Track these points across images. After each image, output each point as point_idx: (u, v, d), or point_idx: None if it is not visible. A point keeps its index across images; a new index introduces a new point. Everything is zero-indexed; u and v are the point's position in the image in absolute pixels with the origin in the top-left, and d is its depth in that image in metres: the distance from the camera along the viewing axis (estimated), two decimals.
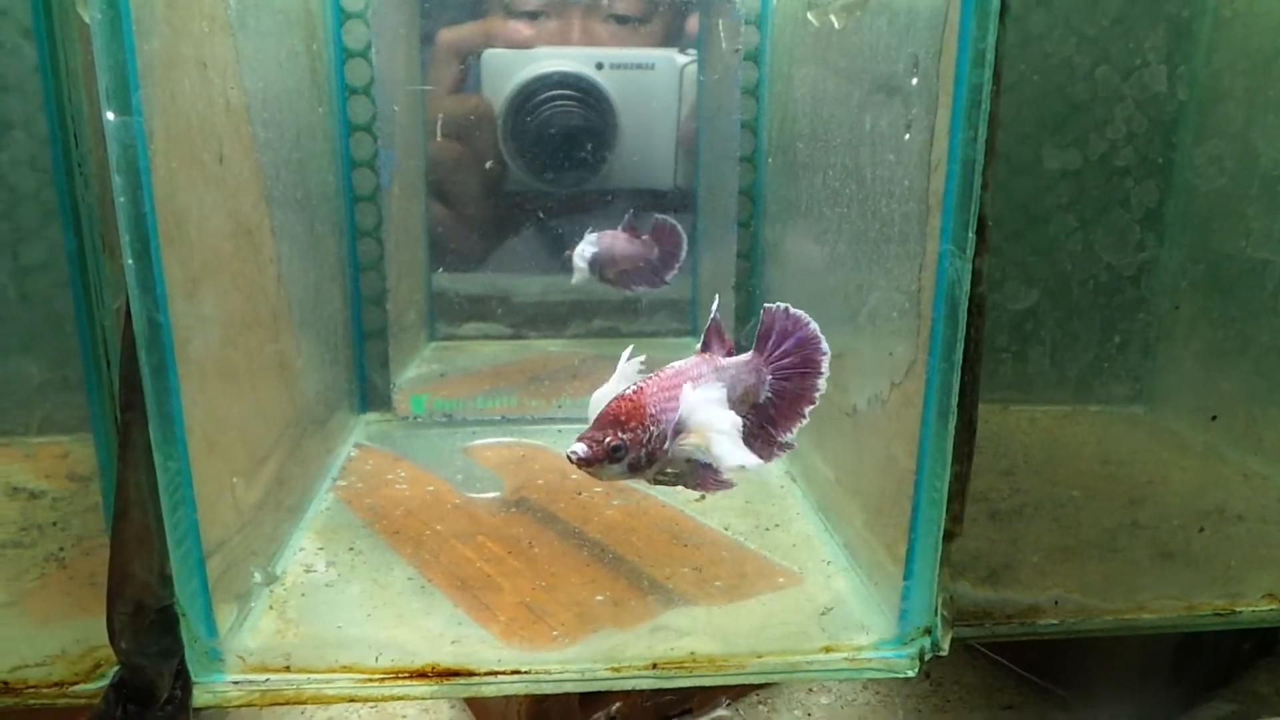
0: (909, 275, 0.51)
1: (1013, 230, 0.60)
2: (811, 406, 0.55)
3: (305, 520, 0.67)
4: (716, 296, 0.57)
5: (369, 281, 0.87)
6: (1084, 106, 0.56)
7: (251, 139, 0.57)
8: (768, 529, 0.67)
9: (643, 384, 0.51)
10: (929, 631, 0.52)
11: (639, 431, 0.48)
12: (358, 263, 0.86)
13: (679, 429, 0.50)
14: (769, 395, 0.55)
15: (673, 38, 1.20)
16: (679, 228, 1.00)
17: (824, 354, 0.55)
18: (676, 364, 0.53)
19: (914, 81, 0.51)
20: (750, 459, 0.49)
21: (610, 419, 0.49)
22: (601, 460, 0.48)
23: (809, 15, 0.69)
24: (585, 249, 0.97)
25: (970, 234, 0.46)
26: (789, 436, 0.56)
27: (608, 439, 0.48)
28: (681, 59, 1.17)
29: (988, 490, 0.71)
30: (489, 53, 1.11)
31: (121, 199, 0.42)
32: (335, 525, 0.67)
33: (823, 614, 0.55)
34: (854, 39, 0.60)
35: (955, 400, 0.48)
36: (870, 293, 0.58)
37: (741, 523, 0.68)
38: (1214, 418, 0.67)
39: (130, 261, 0.43)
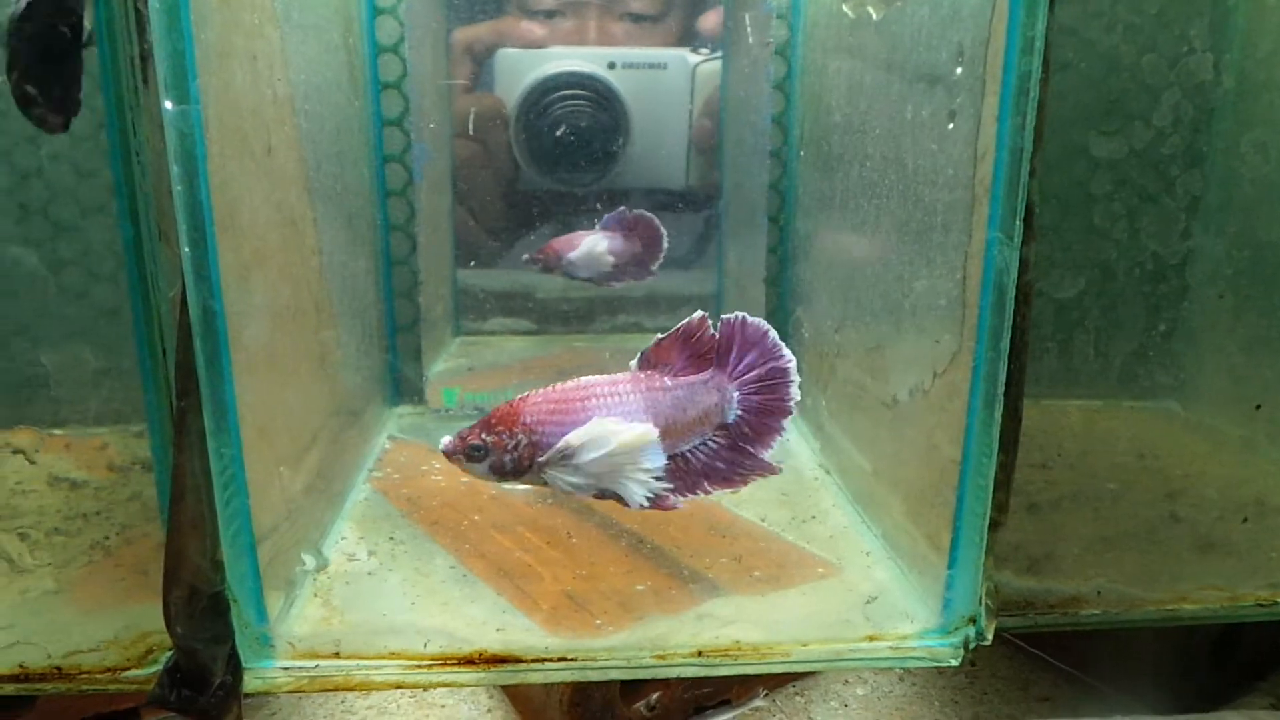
0: (953, 264, 0.51)
1: (1055, 219, 0.60)
2: (788, 418, 0.53)
3: (345, 510, 0.68)
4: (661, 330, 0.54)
5: (400, 275, 0.88)
6: (1130, 94, 0.56)
7: (296, 130, 0.57)
8: (804, 520, 0.68)
9: (531, 393, 0.49)
10: (973, 621, 0.52)
11: (504, 437, 0.48)
12: (390, 256, 0.87)
13: (565, 453, 0.48)
14: (739, 413, 0.53)
15: (688, 35, 1.20)
16: (657, 221, 0.99)
17: (789, 361, 0.53)
18: (593, 378, 0.50)
19: (958, 71, 0.51)
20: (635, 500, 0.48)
21: (484, 420, 0.48)
22: (459, 454, 0.48)
23: (845, 7, 0.69)
24: (591, 245, 0.98)
25: (1018, 221, 0.46)
26: (768, 454, 0.53)
27: (469, 437, 0.48)
28: (694, 58, 1.16)
29: (1024, 483, 0.71)
30: (501, 52, 1.11)
31: (178, 187, 0.43)
32: (374, 515, 0.68)
33: (867, 603, 0.55)
34: (893, 29, 0.60)
35: (1001, 389, 0.48)
36: (912, 283, 0.58)
37: (778, 514, 0.68)
38: (1259, 406, 0.66)
39: (186, 249, 0.43)
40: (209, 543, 0.46)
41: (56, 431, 0.80)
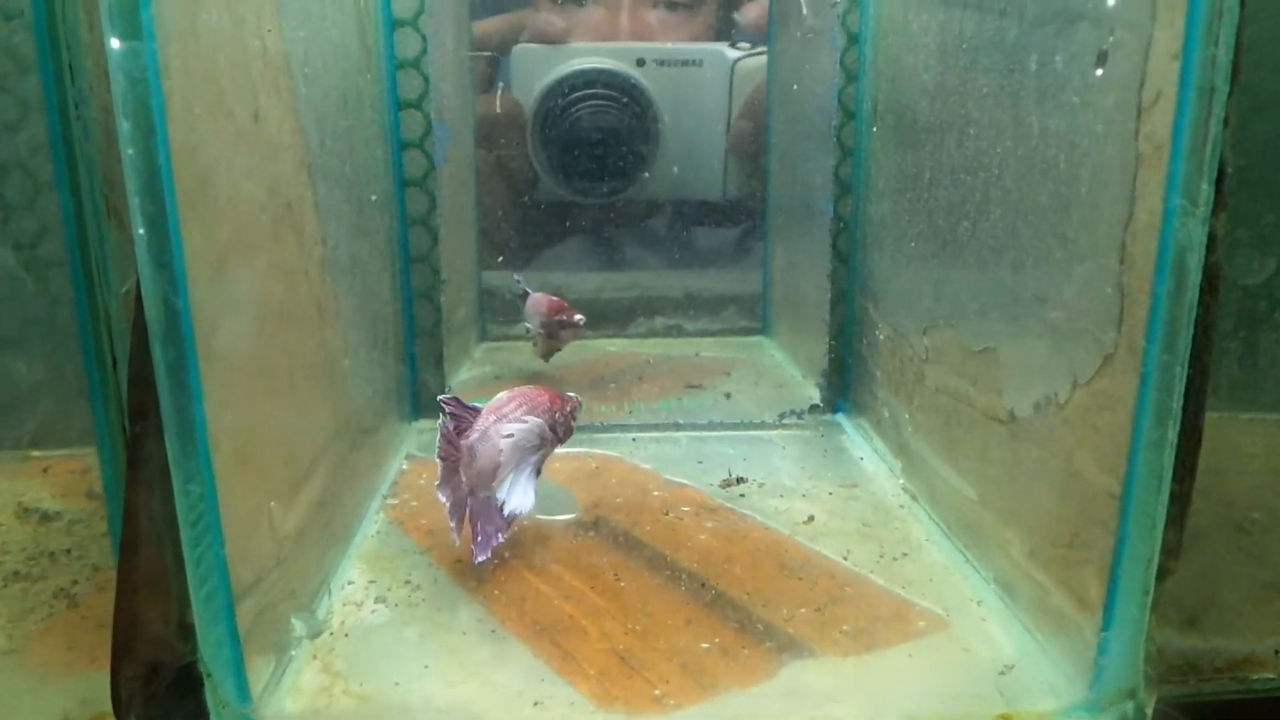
0: (1105, 244, 0.41)
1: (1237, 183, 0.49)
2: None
3: (352, 547, 0.58)
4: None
5: (419, 274, 0.78)
6: None
7: (292, 96, 0.48)
8: (894, 558, 0.57)
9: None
10: (1133, 694, 0.41)
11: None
12: (408, 253, 0.77)
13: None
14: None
15: (730, 25, 1.10)
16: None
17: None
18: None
19: (1111, 2, 0.41)
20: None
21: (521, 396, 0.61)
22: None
23: None
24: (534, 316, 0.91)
25: (1206, 185, 0.36)
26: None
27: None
28: (733, 53, 1.06)
29: None
30: (519, 48, 1.02)
31: (130, 150, 0.33)
32: (387, 552, 0.58)
33: (1001, 674, 0.44)
34: None
35: (1179, 401, 0.38)
36: (1036, 271, 0.47)
37: (861, 550, 0.58)
38: None
39: (141, 230, 0.34)
40: (175, 604, 0.37)
41: (35, 453, 0.72)
